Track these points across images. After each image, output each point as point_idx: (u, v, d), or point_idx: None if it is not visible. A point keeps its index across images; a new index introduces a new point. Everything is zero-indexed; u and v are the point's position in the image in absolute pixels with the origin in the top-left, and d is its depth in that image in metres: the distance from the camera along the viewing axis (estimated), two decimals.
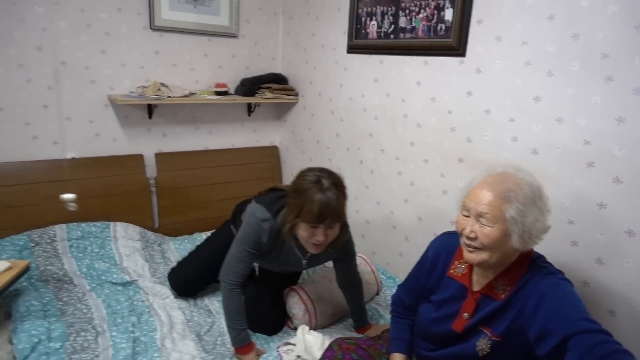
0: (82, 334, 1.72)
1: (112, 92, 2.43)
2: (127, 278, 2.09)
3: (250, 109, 2.92)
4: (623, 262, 1.46)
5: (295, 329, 1.92)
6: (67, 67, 2.29)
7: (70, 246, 2.23)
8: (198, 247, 2.13)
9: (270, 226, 1.63)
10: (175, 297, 2.03)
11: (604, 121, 1.46)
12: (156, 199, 2.63)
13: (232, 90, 2.77)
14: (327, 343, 1.70)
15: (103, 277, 2.10)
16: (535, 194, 1.20)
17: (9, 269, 1.78)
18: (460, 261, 1.36)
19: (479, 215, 1.20)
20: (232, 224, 2.00)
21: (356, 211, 2.51)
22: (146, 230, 2.50)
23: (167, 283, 2.08)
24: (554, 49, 1.57)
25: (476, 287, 1.30)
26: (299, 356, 1.65)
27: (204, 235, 2.61)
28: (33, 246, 2.17)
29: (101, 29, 2.33)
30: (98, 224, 2.37)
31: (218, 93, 2.67)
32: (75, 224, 2.33)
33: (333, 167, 2.49)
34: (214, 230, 2.20)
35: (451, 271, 1.37)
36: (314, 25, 2.64)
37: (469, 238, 1.22)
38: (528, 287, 1.20)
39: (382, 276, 2.31)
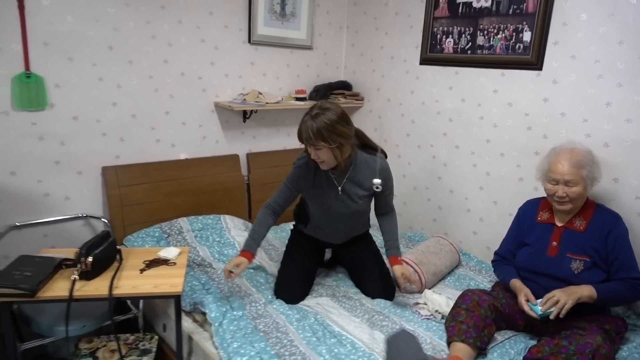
0: (254, 304, 2.04)
1: (217, 99, 2.73)
2: (257, 262, 2.41)
3: None
4: None
5: (407, 292, 2.31)
6: (185, 78, 2.57)
7: (195, 236, 2.52)
8: (284, 262, 2.29)
9: (305, 161, 2.07)
10: None
11: None
12: (247, 194, 2.95)
13: (307, 97, 3.12)
14: (449, 301, 2.11)
15: None
16: (592, 156, 1.91)
17: (181, 253, 2.07)
18: (544, 210, 2.02)
19: (566, 182, 1.85)
20: (297, 225, 2.33)
21: (427, 199, 2.95)
22: (246, 221, 2.82)
23: None
24: (623, 67, 2.06)
25: (559, 224, 1.95)
26: (436, 310, 2.06)
27: (291, 225, 2.94)
28: (166, 237, 2.45)
29: (212, 44, 2.63)
30: (211, 216, 2.66)
31: (298, 99, 3.02)
32: (193, 217, 2.61)
33: (402, 163, 3.00)
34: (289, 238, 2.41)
35: (539, 218, 2.02)
36: (383, 40, 3.05)
37: (560, 197, 1.87)
38: (601, 221, 1.89)
39: None
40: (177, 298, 1.81)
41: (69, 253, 1.86)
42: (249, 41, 2.78)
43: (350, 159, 2.04)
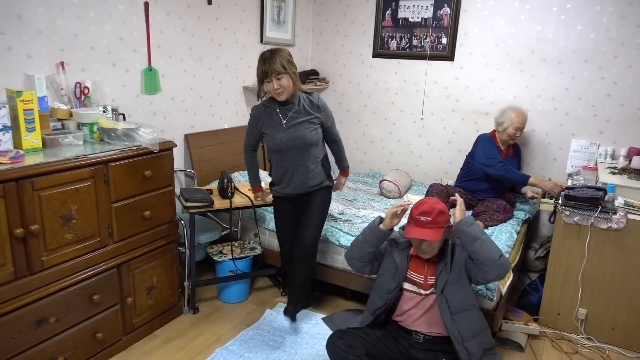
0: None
1: (244, 83, 3.77)
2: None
3: None
4: None
5: (390, 197, 3.73)
6: (227, 69, 3.57)
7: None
8: (280, 232, 2.80)
9: (258, 106, 2.59)
10: None
11: (518, 89, 3.68)
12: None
13: None
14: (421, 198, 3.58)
15: None
16: None
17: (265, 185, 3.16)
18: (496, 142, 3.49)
19: (520, 130, 3.31)
20: (272, 189, 2.97)
21: (382, 148, 4.39)
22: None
23: None
24: (498, 59, 3.72)
25: (503, 149, 3.45)
26: None
27: None
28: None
29: (241, 44, 3.66)
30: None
31: None
32: (240, 172, 3.63)
33: (362, 125, 4.41)
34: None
35: (501, 148, 3.47)
36: (343, 40, 4.36)
37: (516, 137, 3.34)
38: (513, 147, 3.44)
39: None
40: None
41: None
42: (262, 41, 3.86)
43: (296, 92, 2.47)
